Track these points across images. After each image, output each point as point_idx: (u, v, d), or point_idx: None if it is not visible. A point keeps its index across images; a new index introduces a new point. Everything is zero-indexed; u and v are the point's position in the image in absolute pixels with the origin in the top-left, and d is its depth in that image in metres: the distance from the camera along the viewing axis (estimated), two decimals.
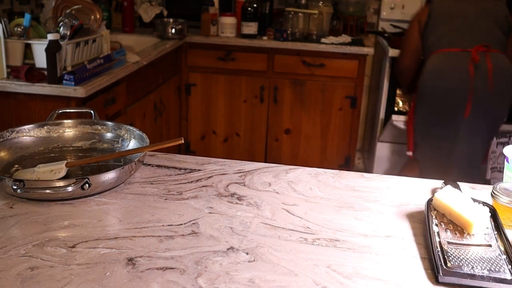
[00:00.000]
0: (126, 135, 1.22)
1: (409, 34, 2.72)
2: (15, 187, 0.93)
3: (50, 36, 1.93)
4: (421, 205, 1.03)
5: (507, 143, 2.86)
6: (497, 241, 0.88)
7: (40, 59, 2.01)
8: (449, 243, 0.87)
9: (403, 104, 3.26)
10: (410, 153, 2.80)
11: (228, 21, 3.21)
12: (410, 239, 0.91)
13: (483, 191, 1.12)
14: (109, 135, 1.24)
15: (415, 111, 2.63)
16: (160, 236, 0.88)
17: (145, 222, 0.92)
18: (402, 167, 2.88)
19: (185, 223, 0.92)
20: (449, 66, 2.45)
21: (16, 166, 1.11)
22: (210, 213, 0.97)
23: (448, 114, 2.46)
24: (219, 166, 1.18)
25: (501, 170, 2.87)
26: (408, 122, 2.78)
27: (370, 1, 3.51)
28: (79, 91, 1.93)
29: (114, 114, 2.27)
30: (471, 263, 0.81)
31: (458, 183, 1.10)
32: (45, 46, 1.93)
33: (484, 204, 0.97)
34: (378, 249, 0.87)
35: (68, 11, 2.10)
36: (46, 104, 1.96)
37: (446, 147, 2.51)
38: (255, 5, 3.19)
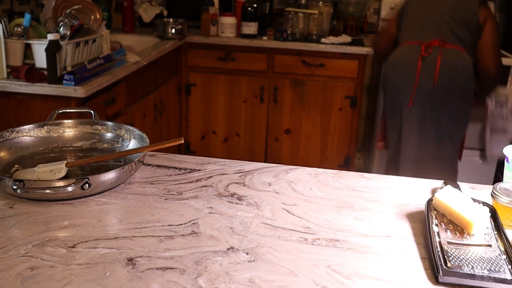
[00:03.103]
0: (126, 135, 1.22)
1: (388, 21, 2.77)
2: (15, 187, 0.93)
3: (50, 36, 1.93)
4: (421, 205, 1.03)
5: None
6: (497, 241, 0.88)
7: (40, 59, 2.01)
8: (449, 243, 0.87)
9: None
10: (380, 144, 2.79)
11: (228, 21, 3.22)
12: (410, 239, 0.91)
13: (483, 191, 1.12)
14: (109, 135, 1.24)
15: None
16: (160, 236, 0.88)
17: (145, 222, 0.92)
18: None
19: (185, 223, 0.92)
20: (403, 59, 2.47)
21: (16, 166, 1.11)
22: (210, 213, 0.97)
23: (397, 105, 2.48)
24: (219, 166, 1.18)
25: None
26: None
27: (370, 1, 3.51)
28: (79, 91, 1.93)
29: (114, 114, 2.27)
30: (471, 263, 0.81)
31: (458, 183, 1.10)
32: (45, 46, 1.94)
33: (484, 204, 0.97)
34: (378, 249, 0.87)
35: (68, 11, 2.10)
36: (46, 104, 1.96)
37: (398, 139, 2.52)
38: (255, 5, 3.19)
